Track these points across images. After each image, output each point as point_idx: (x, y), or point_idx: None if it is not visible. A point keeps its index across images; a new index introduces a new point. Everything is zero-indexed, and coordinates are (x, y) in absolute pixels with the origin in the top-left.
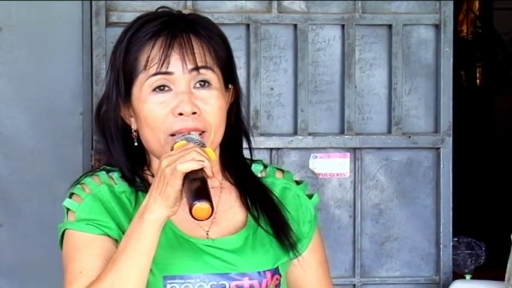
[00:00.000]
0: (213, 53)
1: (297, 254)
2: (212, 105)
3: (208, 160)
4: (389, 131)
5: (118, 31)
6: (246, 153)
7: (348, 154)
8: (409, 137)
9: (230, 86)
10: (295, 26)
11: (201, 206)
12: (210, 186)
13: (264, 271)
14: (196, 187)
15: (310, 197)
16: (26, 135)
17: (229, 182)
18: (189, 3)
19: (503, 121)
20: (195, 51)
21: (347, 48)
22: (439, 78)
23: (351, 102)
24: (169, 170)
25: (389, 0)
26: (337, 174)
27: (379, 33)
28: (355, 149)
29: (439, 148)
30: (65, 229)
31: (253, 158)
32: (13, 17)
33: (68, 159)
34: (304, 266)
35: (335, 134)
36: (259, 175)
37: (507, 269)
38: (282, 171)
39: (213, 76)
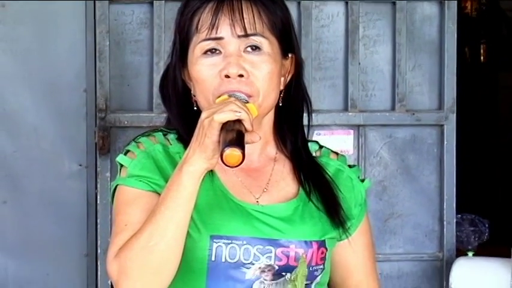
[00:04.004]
0: (266, 20)
1: (347, 233)
2: (262, 69)
3: (247, 113)
4: (393, 108)
5: (121, 8)
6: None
7: (352, 131)
8: (413, 114)
9: (290, 55)
10: (298, 2)
11: (231, 152)
12: (250, 140)
13: (311, 241)
14: (231, 137)
15: (362, 181)
16: (29, 112)
17: (284, 154)
18: None
19: (508, 98)
20: (245, 16)
21: (351, 24)
22: (443, 54)
23: (355, 79)
24: (208, 121)
25: None
26: (341, 151)
27: (383, 10)
28: (358, 126)
29: (442, 125)
30: (117, 185)
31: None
32: None
33: (71, 136)
34: (352, 247)
35: (339, 111)
36: (314, 154)
37: None
38: (337, 153)
39: (264, 41)
